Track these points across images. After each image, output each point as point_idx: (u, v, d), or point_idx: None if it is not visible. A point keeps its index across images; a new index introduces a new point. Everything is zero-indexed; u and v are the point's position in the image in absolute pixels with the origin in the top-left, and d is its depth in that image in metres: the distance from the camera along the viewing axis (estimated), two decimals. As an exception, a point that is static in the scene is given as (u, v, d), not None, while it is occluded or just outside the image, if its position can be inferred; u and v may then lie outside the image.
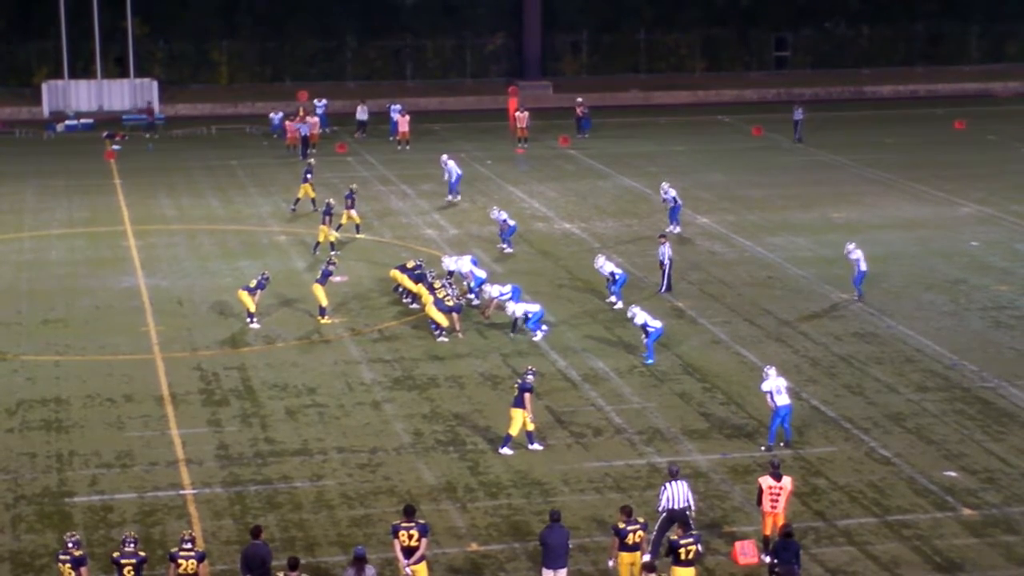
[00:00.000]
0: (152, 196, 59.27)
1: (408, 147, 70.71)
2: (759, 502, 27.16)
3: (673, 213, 52.80)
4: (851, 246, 44.83)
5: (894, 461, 31.83)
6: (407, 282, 43.15)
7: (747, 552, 27.02)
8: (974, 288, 45.65)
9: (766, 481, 27.06)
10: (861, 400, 35.65)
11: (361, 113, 74.25)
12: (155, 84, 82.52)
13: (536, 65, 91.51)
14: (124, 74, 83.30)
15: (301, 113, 72.15)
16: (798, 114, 73.64)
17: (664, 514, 26.82)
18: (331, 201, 50.81)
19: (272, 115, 74.62)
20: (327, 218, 49.83)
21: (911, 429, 33.70)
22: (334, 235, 50.02)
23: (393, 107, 74.18)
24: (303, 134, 68.38)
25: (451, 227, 54.31)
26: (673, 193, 52.73)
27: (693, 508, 27.05)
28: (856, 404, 35.36)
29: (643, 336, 38.61)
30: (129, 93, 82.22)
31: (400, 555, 25.10)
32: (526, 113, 73.05)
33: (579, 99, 77.42)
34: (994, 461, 31.78)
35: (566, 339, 40.42)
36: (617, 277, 43.69)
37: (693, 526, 26.42)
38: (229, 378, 37.29)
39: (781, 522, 26.74)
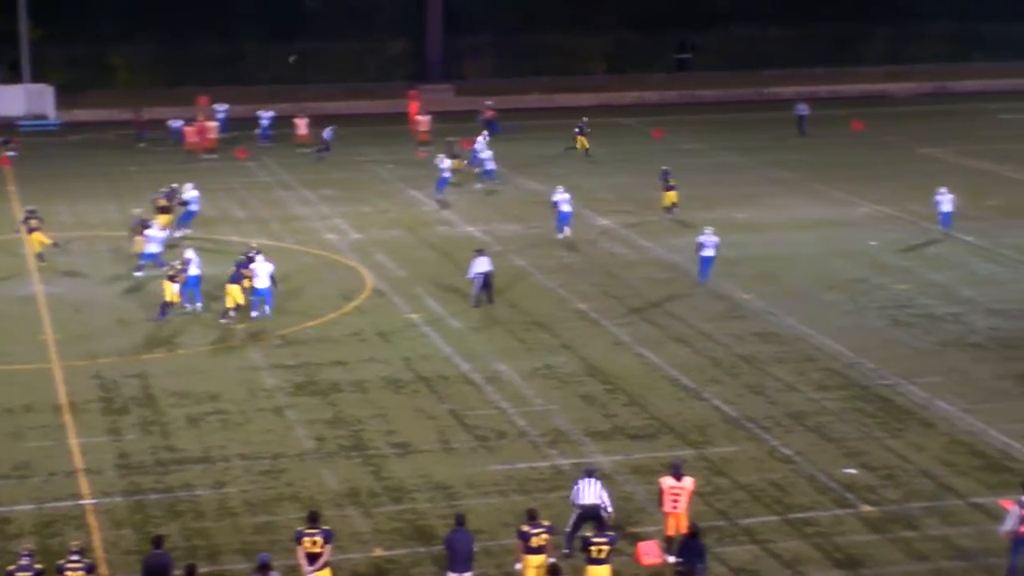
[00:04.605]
0: (49, 203, 58.47)
1: (307, 151, 70.48)
2: (661, 503, 27.26)
3: (563, 219, 52.95)
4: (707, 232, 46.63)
5: (795, 459, 32.08)
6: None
7: (650, 552, 27.09)
8: (873, 287, 46.14)
9: (667, 481, 27.16)
10: (762, 399, 35.90)
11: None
12: (51, 90, 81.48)
13: (438, 68, 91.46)
14: (18, 79, 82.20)
15: (201, 118, 71.58)
16: (801, 109, 75.62)
17: (577, 510, 27.01)
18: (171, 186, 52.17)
19: (171, 122, 73.84)
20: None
21: (812, 428, 33.98)
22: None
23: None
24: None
25: (353, 231, 54.10)
26: (557, 197, 53.05)
27: (609, 508, 27.15)
28: (758, 403, 35.60)
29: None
30: (24, 99, 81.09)
31: (304, 562, 24.94)
32: (428, 117, 72.96)
33: (488, 102, 77.48)
34: (893, 458, 32.12)
35: (469, 342, 40.38)
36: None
37: (607, 524, 26.58)
38: (129, 386, 36.88)
39: (684, 522, 26.86)
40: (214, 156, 68.93)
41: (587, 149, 69.09)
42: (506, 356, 39.17)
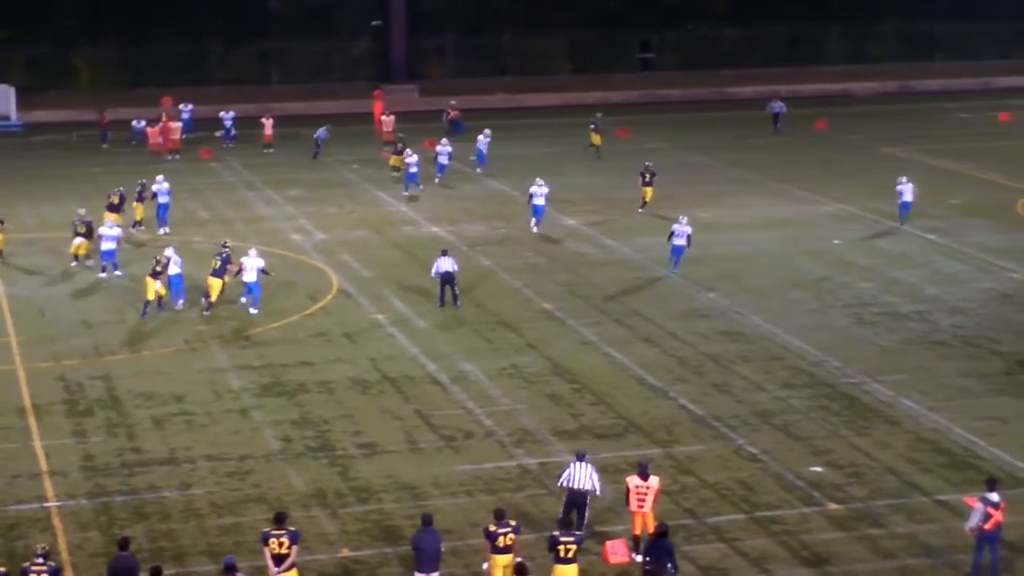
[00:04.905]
0: (11, 204, 58.11)
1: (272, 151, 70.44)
2: (627, 502, 27.30)
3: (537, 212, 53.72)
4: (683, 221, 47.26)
5: (762, 458, 32.16)
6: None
7: (617, 551, 27.13)
8: (838, 286, 46.31)
9: (633, 480, 27.20)
10: (729, 398, 35.99)
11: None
12: (12, 91, 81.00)
13: (402, 69, 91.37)
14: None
15: (164, 119, 71.31)
16: (776, 107, 76.43)
17: (566, 494, 27.43)
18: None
19: (134, 123, 73.49)
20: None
21: (778, 426, 34.08)
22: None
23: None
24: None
25: (318, 232, 53.98)
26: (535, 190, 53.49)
27: (598, 492, 27.49)
28: (724, 402, 35.68)
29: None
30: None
31: (270, 563, 24.87)
32: (392, 117, 72.89)
33: (452, 102, 77.42)
34: (859, 456, 32.24)
35: (435, 342, 40.34)
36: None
37: (586, 510, 27.30)
38: (94, 388, 36.71)
39: (650, 521, 26.91)
40: (178, 157, 68.67)
41: (598, 147, 69.46)
42: (472, 356, 39.15)
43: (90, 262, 48.05)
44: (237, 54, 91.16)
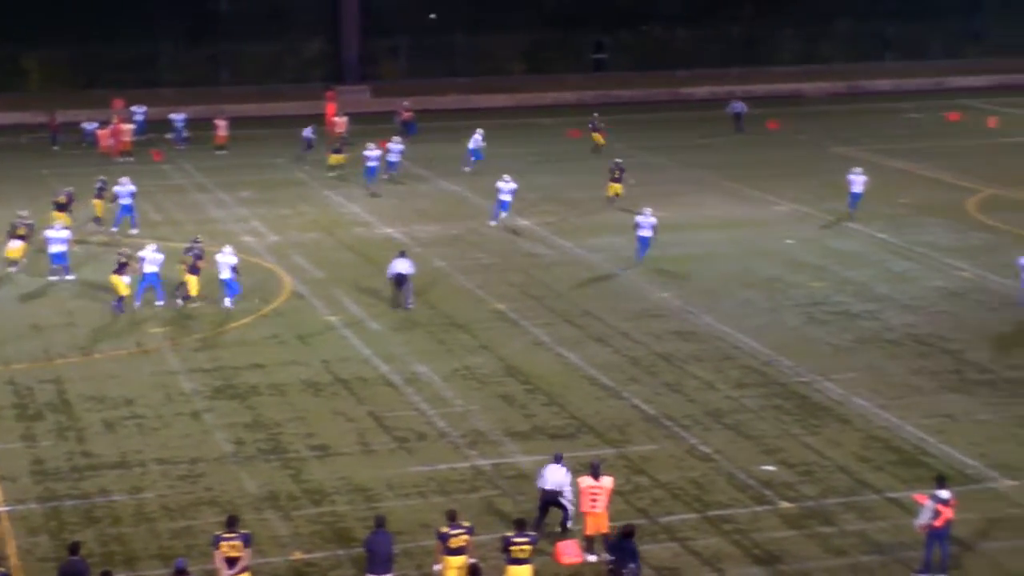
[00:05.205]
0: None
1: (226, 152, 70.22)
2: (580, 502, 27.33)
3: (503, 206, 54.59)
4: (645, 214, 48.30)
5: (714, 457, 32.26)
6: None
7: (570, 552, 27.14)
8: (790, 285, 46.49)
9: (585, 481, 27.24)
10: (681, 398, 36.07)
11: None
12: None
13: (355, 70, 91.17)
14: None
15: (116, 121, 70.91)
16: (737, 107, 77.08)
17: (540, 494, 27.89)
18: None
19: (85, 124, 73.01)
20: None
21: (730, 425, 34.18)
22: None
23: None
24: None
25: (271, 234, 53.81)
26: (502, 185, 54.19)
27: (566, 493, 27.76)
28: (677, 402, 35.76)
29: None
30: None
31: (222, 566, 24.78)
32: (345, 118, 72.71)
33: (405, 103, 77.34)
34: (811, 454, 32.38)
35: (388, 344, 40.28)
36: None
37: (568, 510, 27.63)
38: (44, 391, 36.48)
39: (603, 521, 26.98)
40: (130, 159, 68.30)
41: (601, 145, 69.94)
42: (425, 357, 39.11)
43: (13, 269, 47.39)
44: (188, 55, 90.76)
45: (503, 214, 54.26)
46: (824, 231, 53.89)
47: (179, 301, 43.45)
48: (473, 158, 65.90)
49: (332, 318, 42.80)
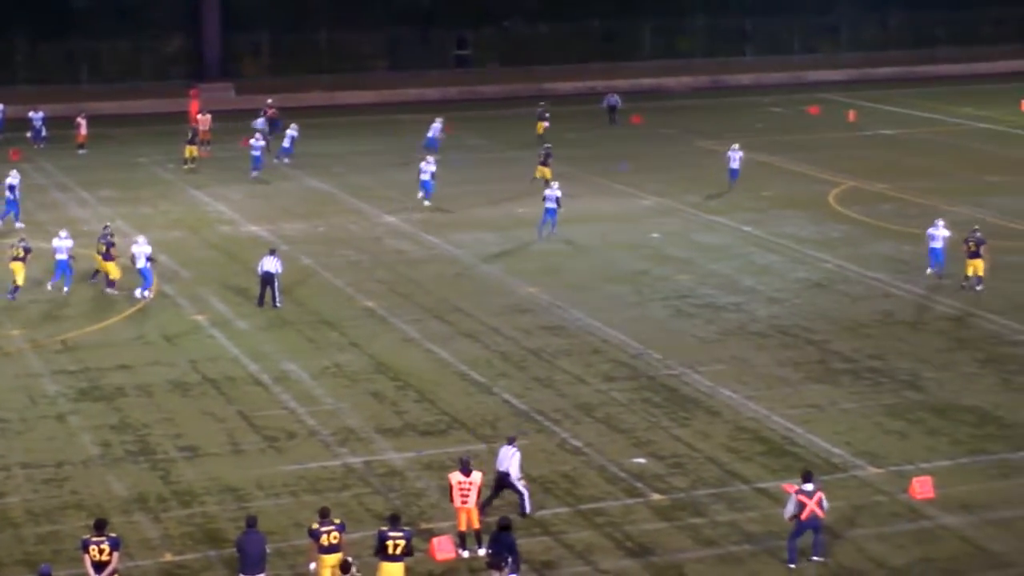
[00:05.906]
0: None
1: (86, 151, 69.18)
2: (451, 498, 27.32)
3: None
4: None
5: (585, 451, 32.42)
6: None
7: (444, 547, 27.15)
8: (656, 279, 46.86)
9: (455, 477, 27.25)
10: (551, 392, 36.20)
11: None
12: None
13: (217, 67, 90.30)
14: None
15: None
16: (612, 100, 78.57)
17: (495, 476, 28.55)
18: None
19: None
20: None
21: (600, 418, 34.38)
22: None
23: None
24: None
25: (134, 233, 52.99)
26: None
27: (515, 477, 28.33)
28: (547, 396, 35.89)
29: None
30: None
31: (91, 570, 24.42)
32: (208, 116, 71.98)
33: (269, 100, 76.71)
34: (680, 447, 32.67)
35: (256, 343, 39.96)
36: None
37: (523, 495, 28.31)
38: (-98, 396, 35.72)
39: (475, 516, 27.02)
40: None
41: (539, 135, 71.62)
42: (294, 355, 38.87)
43: None
44: (43, 52, 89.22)
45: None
46: (689, 224, 54.40)
47: (110, 290, 44.16)
48: (429, 146, 66.70)
49: (199, 317, 42.37)
